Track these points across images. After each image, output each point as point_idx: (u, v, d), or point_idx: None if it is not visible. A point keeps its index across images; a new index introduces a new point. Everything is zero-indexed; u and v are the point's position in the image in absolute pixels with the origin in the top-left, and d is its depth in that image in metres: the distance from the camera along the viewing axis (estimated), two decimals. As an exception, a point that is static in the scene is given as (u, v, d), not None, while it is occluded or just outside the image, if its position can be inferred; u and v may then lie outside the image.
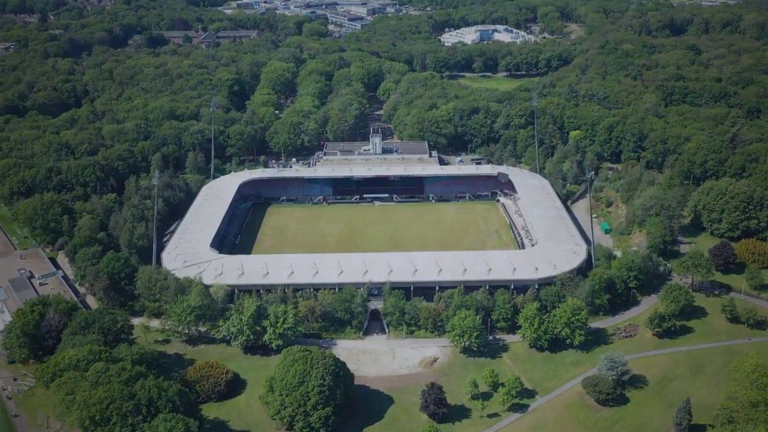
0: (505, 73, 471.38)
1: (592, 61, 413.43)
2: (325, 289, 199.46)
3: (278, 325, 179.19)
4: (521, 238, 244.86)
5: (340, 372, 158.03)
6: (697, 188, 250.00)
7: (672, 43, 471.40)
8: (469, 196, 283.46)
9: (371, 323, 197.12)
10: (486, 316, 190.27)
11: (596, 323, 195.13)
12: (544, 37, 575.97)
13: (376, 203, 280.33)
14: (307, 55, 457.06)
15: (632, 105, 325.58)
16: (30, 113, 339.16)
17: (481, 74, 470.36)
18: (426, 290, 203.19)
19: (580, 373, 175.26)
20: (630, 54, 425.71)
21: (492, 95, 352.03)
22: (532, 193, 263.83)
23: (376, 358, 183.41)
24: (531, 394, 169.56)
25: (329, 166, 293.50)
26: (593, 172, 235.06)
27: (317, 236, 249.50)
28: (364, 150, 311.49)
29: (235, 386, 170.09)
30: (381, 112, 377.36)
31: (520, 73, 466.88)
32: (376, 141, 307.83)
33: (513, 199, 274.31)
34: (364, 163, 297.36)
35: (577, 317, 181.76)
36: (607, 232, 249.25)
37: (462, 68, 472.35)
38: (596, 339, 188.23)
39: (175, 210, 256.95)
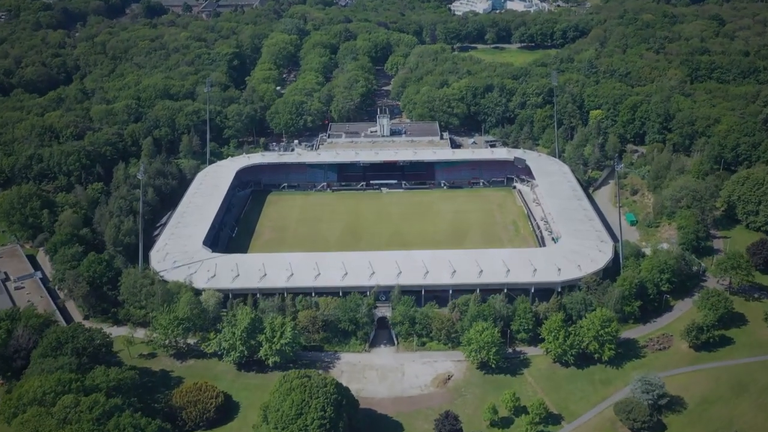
0: (519, 45, 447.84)
1: (611, 33, 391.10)
2: (327, 294, 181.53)
3: (275, 339, 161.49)
4: (540, 231, 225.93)
5: (343, 400, 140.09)
6: (729, 175, 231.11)
7: (693, 12, 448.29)
8: (483, 183, 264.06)
9: (378, 332, 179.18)
10: (505, 326, 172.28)
11: (626, 333, 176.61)
12: (559, 6, 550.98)
13: (384, 190, 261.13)
14: (311, 26, 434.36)
15: (656, 82, 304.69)
16: (15, 91, 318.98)
17: (494, 45, 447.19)
18: (438, 292, 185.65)
19: (611, 394, 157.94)
20: (651, 25, 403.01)
21: (507, 71, 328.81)
22: (552, 180, 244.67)
23: (384, 376, 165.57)
24: (557, 419, 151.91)
25: (334, 150, 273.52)
26: (621, 165, 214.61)
27: (320, 228, 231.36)
28: (371, 131, 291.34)
29: (226, 411, 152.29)
30: (389, 87, 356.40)
31: (534, 44, 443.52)
32: (383, 122, 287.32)
33: (531, 186, 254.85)
34: (371, 146, 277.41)
35: (606, 330, 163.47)
36: (632, 223, 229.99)
37: (474, 39, 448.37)
38: (627, 352, 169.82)
39: (168, 199, 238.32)
